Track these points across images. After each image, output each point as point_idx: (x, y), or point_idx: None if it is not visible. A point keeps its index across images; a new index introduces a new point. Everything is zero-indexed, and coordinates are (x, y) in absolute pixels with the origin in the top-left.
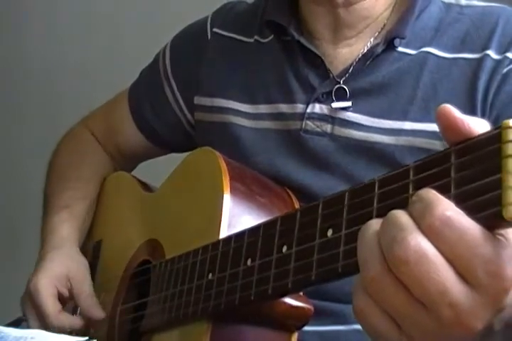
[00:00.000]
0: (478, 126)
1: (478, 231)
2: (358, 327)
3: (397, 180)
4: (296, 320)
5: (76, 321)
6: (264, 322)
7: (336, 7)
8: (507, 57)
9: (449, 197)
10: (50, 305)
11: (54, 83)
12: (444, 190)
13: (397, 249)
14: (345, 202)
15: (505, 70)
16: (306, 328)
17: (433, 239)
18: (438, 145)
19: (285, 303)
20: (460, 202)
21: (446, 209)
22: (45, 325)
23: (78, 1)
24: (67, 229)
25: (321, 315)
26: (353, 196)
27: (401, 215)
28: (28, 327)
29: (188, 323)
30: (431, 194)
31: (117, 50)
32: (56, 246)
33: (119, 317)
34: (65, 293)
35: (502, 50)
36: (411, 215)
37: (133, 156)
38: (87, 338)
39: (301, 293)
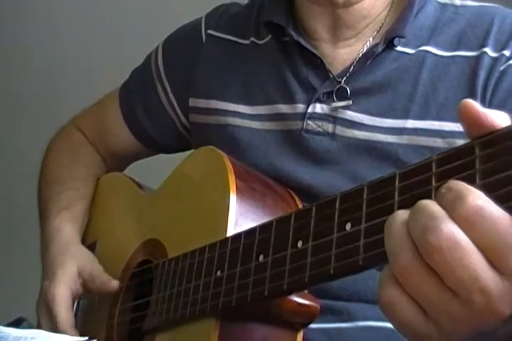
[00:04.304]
0: (500, 118)
1: (509, 220)
2: (362, 324)
3: (420, 173)
4: (303, 317)
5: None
6: (271, 320)
7: (336, 7)
8: (504, 55)
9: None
10: (64, 317)
11: (54, 83)
12: (468, 182)
13: (429, 237)
14: (364, 196)
15: (502, 67)
16: (311, 326)
17: (464, 227)
18: (440, 143)
19: (293, 301)
20: (487, 192)
21: (477, 198)
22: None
23: (78, 1)
24: (69, 230)
25: (325, 313)
26: (372, 190)
27: (431, 204)
28: (29, 327)
29: (194, 321)
30: (460, 184)
31: (117, 50)
32: (63, 248)
33: (117, 317)
34: (79, 290)
35: (499, 48)
36: (441, 205)
37: (123, 157)
38: (87, 338)
39: (305, 291)
